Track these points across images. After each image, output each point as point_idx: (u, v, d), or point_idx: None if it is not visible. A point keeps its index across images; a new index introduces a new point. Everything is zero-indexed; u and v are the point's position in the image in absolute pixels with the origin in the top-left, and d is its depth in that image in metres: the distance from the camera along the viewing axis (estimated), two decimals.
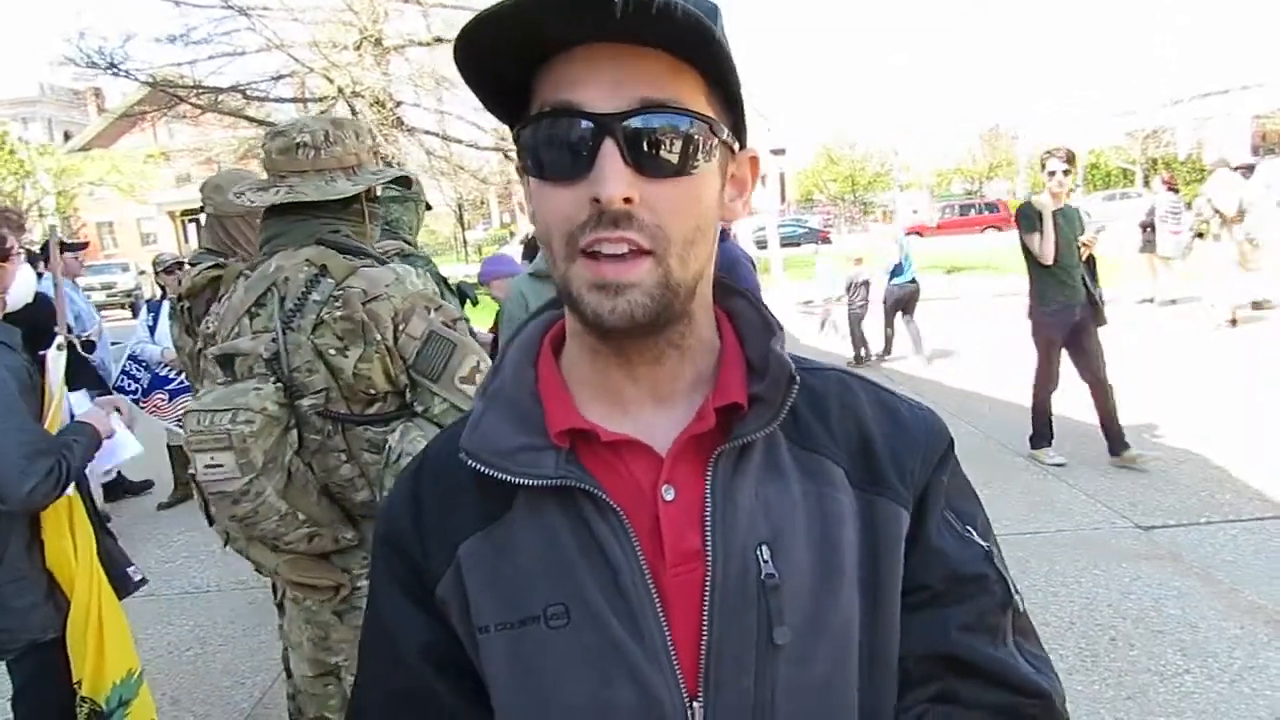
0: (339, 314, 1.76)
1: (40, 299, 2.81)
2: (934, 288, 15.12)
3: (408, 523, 0.78)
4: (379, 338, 1.76)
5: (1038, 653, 0.78)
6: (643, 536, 0.69)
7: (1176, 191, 11.00)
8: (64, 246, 6.15)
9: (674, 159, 0.65)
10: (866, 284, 9.21)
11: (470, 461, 0.72)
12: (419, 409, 1.82)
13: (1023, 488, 5.10)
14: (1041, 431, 5.63)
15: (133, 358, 5.40)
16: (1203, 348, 8.20)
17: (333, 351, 1.76)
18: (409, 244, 3.46)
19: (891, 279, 8.92)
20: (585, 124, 0.63)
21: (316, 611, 1.92)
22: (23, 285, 2.36)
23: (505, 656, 0.71)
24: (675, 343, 0.72)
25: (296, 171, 1.87)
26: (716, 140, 0.68)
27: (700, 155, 0.66)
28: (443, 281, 3.28)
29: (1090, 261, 5.42)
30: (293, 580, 1.87)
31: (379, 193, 2.05)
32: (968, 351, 9.34)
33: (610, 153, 0.62)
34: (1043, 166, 5.30)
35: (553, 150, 0.65)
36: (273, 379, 1.75)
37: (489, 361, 1.82)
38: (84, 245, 6.56)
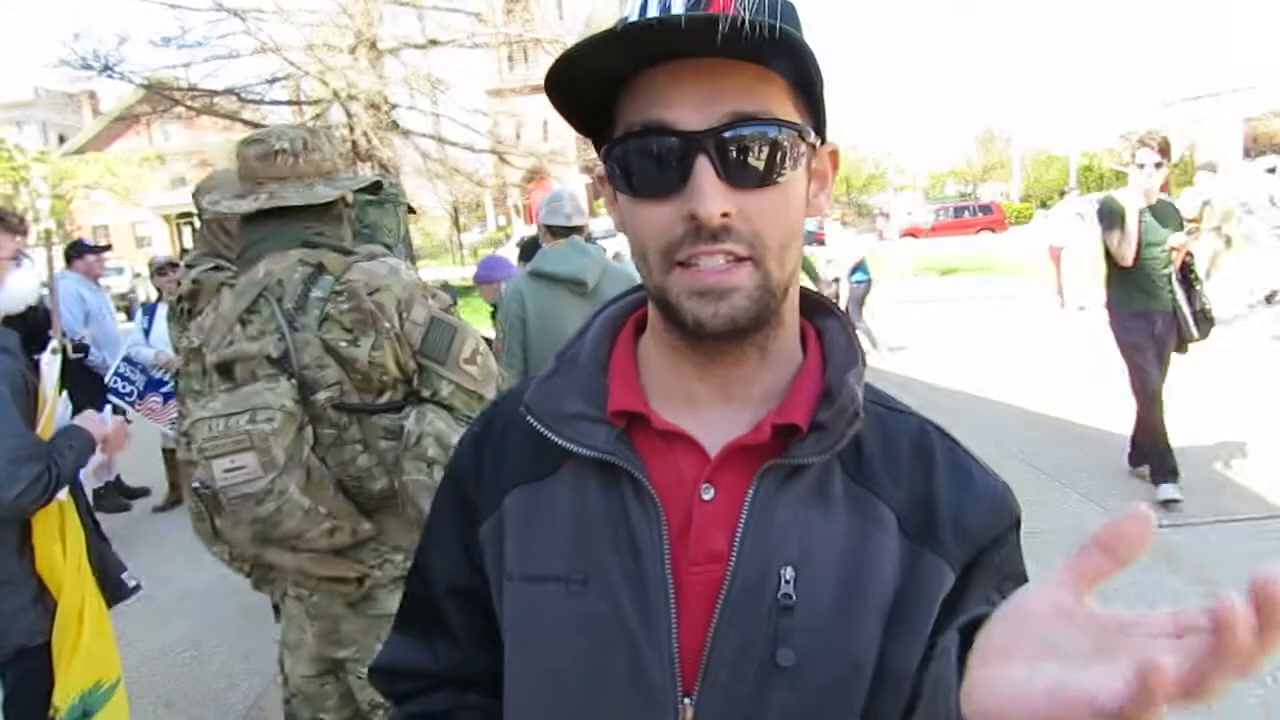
0: (346, 306, 1.77)
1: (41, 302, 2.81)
2: (928, 290, 15.16)
3: (469, 461, 0.84)
4: (388, 326, 1.78)
5: None
6: (674, 528, 0.71)
7: (1168, 194, 11.02)
8: (86, 249, 6.16)
9: (766, 169, 0.66)
10: (836, 280, 9.62)
11: (529, 417, 0.75)
12: (426, 394, 1.84)
13: (1016, 488, 5.03)
14: (1163, 463, 4.72)
15: (128, 359, 5.38)
16: (1196, 348, 8.23)
17: (343, 344, 1.77)
18: (387, 247, 3.43)
19: (852, 277, 9.69)
20: (677, 142, 0.64)
21: (326, 605, 1.92)
22: (19, 289, 2.35)
23: (521, 607, 0.75)
24: (760, 344, 0.73)
25: (276, 178, 1.87)
26: (804, 144, 0.69)
27: (790, 162, 0.67)
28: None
29: (1185, 269, 4.72)
30: (321, 576, 1.87)
31: (351, 199, 2.06)
32: (961, 352, 9.37)
33: (704, 169, 0.64)
34: (1132, 158, 4.72)
35: (645, 168, 0.66)
36: (284, 376, 1.75)
37: (481, 343, 1.90)
38: (106, 247, 6.52)
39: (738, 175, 0.64)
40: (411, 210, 3.96)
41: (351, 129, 16.67)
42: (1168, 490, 4.60)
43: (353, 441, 1.83)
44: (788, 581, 0.69)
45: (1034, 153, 46.23)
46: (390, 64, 17.90)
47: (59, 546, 2.22)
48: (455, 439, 1.63)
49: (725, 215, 0.64)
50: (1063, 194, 18.98)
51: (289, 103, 18.24)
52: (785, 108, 0.67)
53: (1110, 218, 4.61)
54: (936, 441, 0.79)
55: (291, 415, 1.72)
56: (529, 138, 21.47)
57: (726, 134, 0.64)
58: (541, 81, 0.69)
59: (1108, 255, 4.72)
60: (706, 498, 0.71)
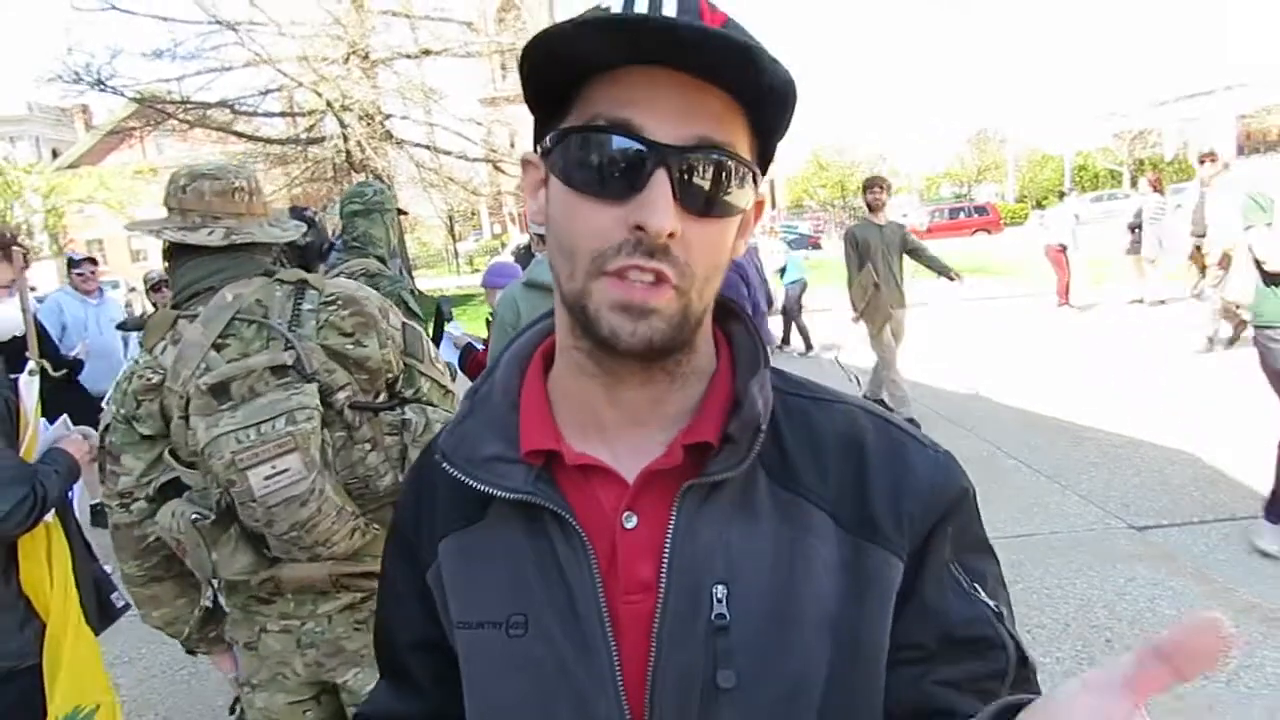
0: (346, 312, 1.81)
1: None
2: (925, 292, 15.17)
3: (409, 510, 0.84)
4: (384, 327, 1.86)
5: None
6: (603, 561, 0.69)
7: (1162, 193, 11.05)
8: (72, 263, 6.11)
9: (715, 200, 0.65)
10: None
11: (444, 464, 0.73)
12: (409, 393, 1.92)
13: (1015, 490, 5.10)
14: None
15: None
16: (1194, 347, 8.23)
17: (349, 346, 1.80)
18: (381, 260, 3.41)
19: (784, 281, 10.38)
20: (641, 148, 0.62)
21: (323, 631, 1.89)
22: (8, 318, 2.34)
23: (469, 653, 0.74)
24: (669, 370, 0.71)
25: (233, 214, 1.89)
26: (753, 185, 0.68)
27: (737, 198, 0.66)
28: (404, 303, 3.16)
29: None
30: (357, 574, 1.86)
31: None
32: (959, 355, 9.37)
33: (662, 183, 0.62)
34: None
35: (600, 166, 0.64)
36: (303, 380, 1.75)
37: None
38: (88, 260, 6.40)
39: (688, 199, 0.63)
40: (402, 212, 3.95)
41: (345, 139, 16.71)
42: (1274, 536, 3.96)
43: (363, 441, 1.83)
44: (719, 600, 0.67)
45: (1028, 153, 46.35)
46: (384, 74, 17.96)
47: (46, 568, 2.21)
48: None
49: (671, 235, 0.62)
50: (1062, 195, 19.00)
51: (282, 114, 18.28)
52: (744, 145, 0.66)
53: (1254, 209, 3.92)
54: (868, 425, 0.75)
55: (321, 415, 1.73)
56: (523, 145, 21.50)
57: (693, 155, 0.63)
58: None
59: (1257, 262, 3.96)
60: (629, 526, 0.70)
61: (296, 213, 3.41)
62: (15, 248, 2.36)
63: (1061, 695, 0.46)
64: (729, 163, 0.64)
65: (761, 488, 0.71)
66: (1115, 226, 11.92)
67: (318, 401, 1.72)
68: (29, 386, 2.24)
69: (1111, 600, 3.67)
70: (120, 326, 5.88)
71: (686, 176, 0.63)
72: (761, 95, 0.64)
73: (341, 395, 1.79)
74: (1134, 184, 26.57)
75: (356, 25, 16.71)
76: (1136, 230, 10.64)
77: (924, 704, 0.68)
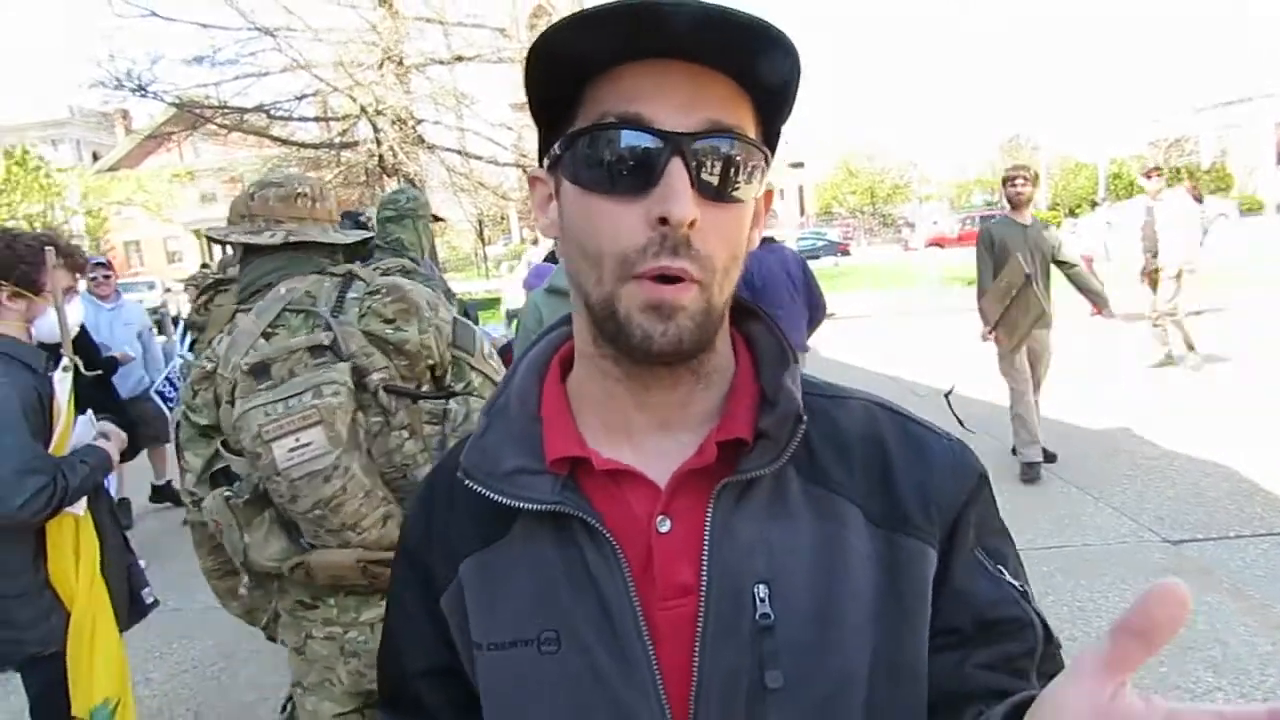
0: (388, 299, 1.87)
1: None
2: (954, 300, 15.03)
3: (419, 529, 0.81)
4: (429, 314, 1.89)
5: None
6: (636, 567, 0.68)
7: (1200, 200, 10.87)
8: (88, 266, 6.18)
9: (730, 185, 0.65)
10: None
11: (467, 481, 0.72)
12: (459, 386, 1.94)
13: (1048, 501, 5.04)
14: None
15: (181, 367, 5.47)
16: (1230, 357, 8.09)
17: (389, 331, 1.85)
18: (414, 261, 3.48)
19: None
20: (654, 140, 0.62)
21: (365, 641, 1.90)
22: (53, 321, 2.42)
23: (495, 676, 0.72)
24: (694, 369, 0.71)
25: (295, 218, 2.03)
26: (763, 169, 0.68)
27: (752, 184, 0.66)
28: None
29: None
30: (385, 562, 1.83)
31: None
32: (988, 363, 9.26)
33: (679, 172, 0.61)
34: None
35: (615, 163, 0.63)
36: (338, 360, 1.78)
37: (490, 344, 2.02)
38: (102, 264, 6.35)
39: (703, 185, 0.63)
40: (438, 219, 4.00)
41: (378, 144, 16.87)
42: None
43: (400, 428, 1.85)
44: (763, 600, 0.67)
45: (1061, 160, 45.80)
46: (416, 80, 18.10)
47: (73, 560, 2.28)
48: None
49: (692, 225, 0.62)
50: (1094, 205, 18.73)
51: (317, 119, 18.48)
52: (752, 130, 0.67)
53: None
54: (885, 420, 0.77)
55: (352, 392, 1.75)
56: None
57: (705, 141, 0.63)
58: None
59: None
60: (663, 530, 0.69)
61: (351, 217, 3.54)
62: (76, 258, 2.47)
63: (1054, 689, 0.48)
64: (741, 146, 0.65)
65: (793, 485, 0.71)
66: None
67: (348, 379, 1.74)
68: (62, 382, 2.33)
69: None
70: (185, 325, 6.00)
71: (701, 163, 0.63)
72: (766, 74, 0.64)
73: (375, 377, 1.81)
74: None
75: (391, 31, 16.87)
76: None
77: (964, 689, 0.69)
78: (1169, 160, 36.24)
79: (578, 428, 0.74)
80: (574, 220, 0.67)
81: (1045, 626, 0.73)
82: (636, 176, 0.62)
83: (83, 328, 3.23)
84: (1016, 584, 0.73)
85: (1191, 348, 7.94)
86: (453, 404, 1.91)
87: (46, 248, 2.37)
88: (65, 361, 2.36)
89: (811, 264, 5.41)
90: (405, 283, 1.94)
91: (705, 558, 0.67)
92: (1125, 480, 5.22)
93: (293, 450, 1.68)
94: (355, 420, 1.77)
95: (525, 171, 20.25)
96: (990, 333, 5.45)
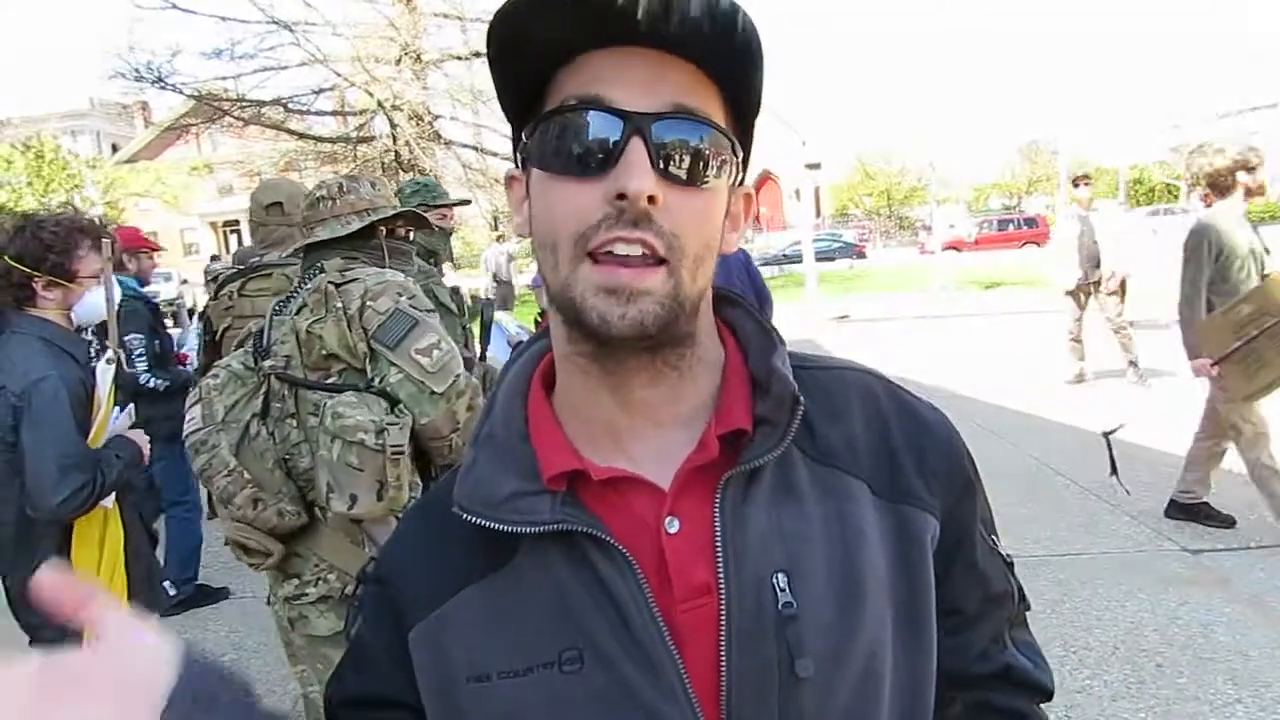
0: (311, 291, 2.01)
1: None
2: (971, 304, 14.97)
3: (395, 564, 0.77)
4: (339, 305, 1.96)
5: (1029, 639, 0.80)
6: (649, 573, 0.66)
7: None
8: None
9: (695, 168, 0.64)
10: None
11: (464, 516, 0.69)
12: (376, 380, 1.96)
13: (1063, 508, 4.99)
14: None
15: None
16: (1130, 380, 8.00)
17: (299, 320, 2.00)
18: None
19: None
20: (614, 119, 0.62)
21: (280, 618, 2.11)
22: (97, 304, 2.42)
23: (507, 705, 0.68)
24: (674, 364, 0.70)
25: (319, 220, 2.19)
26: (734, 160, 0.67)
27: (719, 170, 0.66)
28: (432, 294, 3.20)
29: None
30: (230, 537, 2.03)
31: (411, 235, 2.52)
32: (1006, 369, 9.20)
33: (638, 149, 0.61)
34: None
35: (575, 144, 0.63)
36: (248, 347, 2.05)
37: (448, 342, 1.98)
38: (153, 247, 6.33)
39: (668, 166, 0.62)
40: (464, 202, 4.21)
41: (394, 139, 16.94)
42: None
43: (288, 415, 1.99)
44: (783, 590, 0.66)
45: (1081, 165, 45.45)
46: (433, 75, 18.16)
47: (98, 551, 2.28)
48: (370, 427, 1.83)
49: (652, 200, 0.60)
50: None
51: (334, 113, 18.58)
52: (719, 118, 0.66)
53: None
54: (878, 389, 0.77)
55: (236, 376, 2.02)
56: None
57: (666, 121, 0.62)
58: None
59: None
60: (672, 531, 0.67)
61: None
62: (104, 239, 2.45)
63: None
64: (705, 129, 0.64)
65: (798, 466, 0.71)
66: (1167, 242, 11.60)
67: (234, 363, 2.04)
68: (105, 374, 2.33)
69: (1163, 624, 3.56)
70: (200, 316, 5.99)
71: (663, 143, 0.62)
72: (730, 57, 0.64)
73: (268, 363, 2.00)
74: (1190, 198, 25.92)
75: (409, 27, 16.93)
76: None
77: (967, 669, 0.74)
78: (1189, 167, 35.93)
79: (569, 440, 0.72)
80: (537, 208, 0.67)
81: (1020, 590, 0.79)
82: (597, 157, 0.62)
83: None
84: (1006, 555, 0.78)
85: (1133, 364, 7.81)
86: (329, 398, 1.89)
87: (75, 233, 2.37)
88: (110, 354, 2.35)
89: (827, 266, 5.39)
90: (357, 274, 2.02)
91: (719, 554, 0.66)
92: (1144, 487, 5.14)
93: (188, 423, 1.98)
94: (251, 401, 1.99)
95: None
96: (1215, 365, 4.15)
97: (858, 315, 14.47)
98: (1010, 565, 0.77)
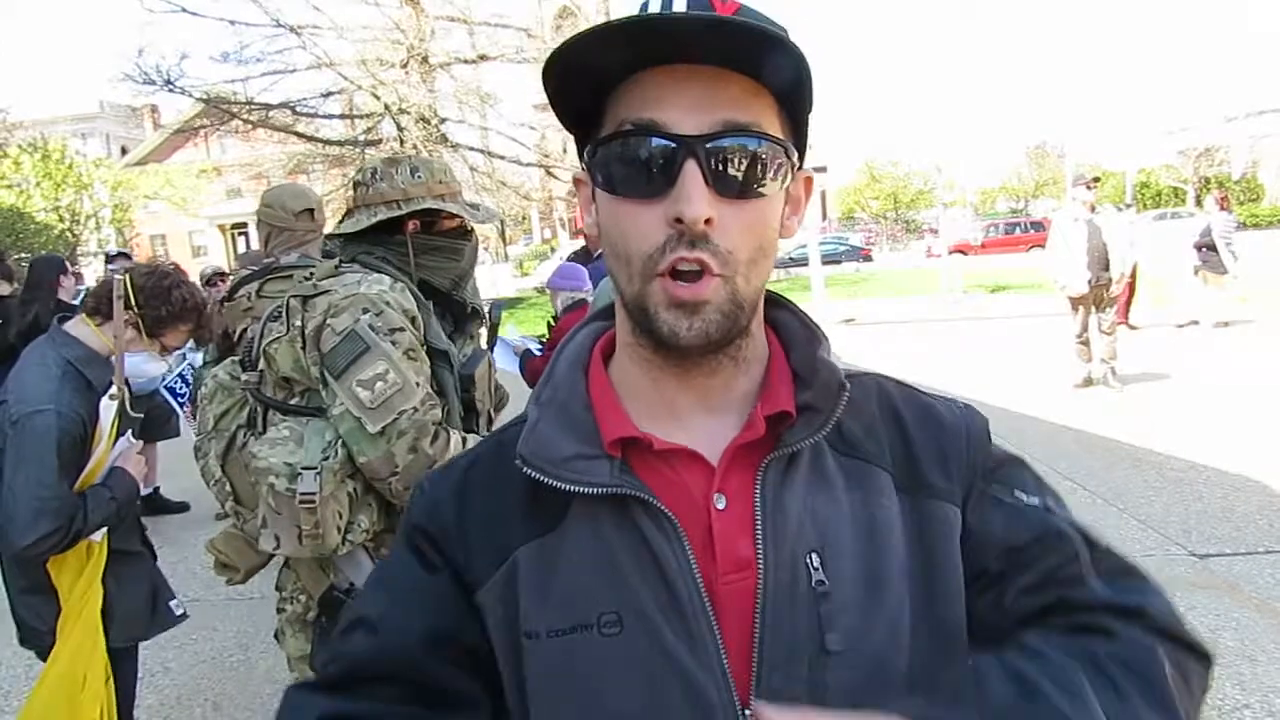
0: (280, 305, 1.90)
1: None
2: (977, 307, 14.93)
3: (451, 519, 0.78)
4: (297, 324, 1.78)
5: (1133, 584, 0.75)
6: (695, 545, 0.70)
7: (1230, 210, 10.73)
8: (106, 258, 6.16)
9: (749, 181, 0.67)
10: None
11: (526, 469, 0.72)
12: (326, 407, 1.77)
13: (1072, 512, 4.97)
14: None
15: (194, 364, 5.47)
16: (1261, 371, 7.97)
17: (266, 341, 1.92)
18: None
19: None
20: (668, 144, 0.65)
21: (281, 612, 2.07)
22: (143, 365, 2.44)
23: (554, 663, 0.71)
24: (732, 355, 0.74)
25: (354, 208, 2.06)
26: (787, 163, 0.70)
27: (772, 178, 0.69)
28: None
29: None
30: (208, 547, 2.09)
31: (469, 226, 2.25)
32: (1013, 373, 9.18)
33: (693, 173, 0.65)
34: None
35: (633, 168, 0.67)
36: (238, 358, 2.05)
37: (398, 373, 1.73)
38: (122, 255, 6.29)
39: (721, 183, 0.66)
40: (474, 207, 4.03)
41: (402, 142, 16.99)
42: None
43: (261, 431, 1.96)
44: (817, 568, 0.70)
45: (1088, 168, 45.34)
46: (441, 79, 18.22)
47: (74, 577, 2.27)
48: (282, 470, 1.69)
49: (708, 222, 0.65)
50: (1118, 211, 18.56)
51: (341, 116, 18.63)
52: (773, 124, 0.69)
53: None
54: (895, 392, 0.82)
55: (224, 387, 2.03)
56: (575, 151, 21.66)
57: (717, 142, 0.65)
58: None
59: None
60: (720, 507, 0.72)
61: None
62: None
63: None
64: (757, 143, 0.67)
65: (829, 458, 0.75)
66: (1175, 245, 11.56)
67: (221, 373, 2.06)
68: (108, 410, 2.28)
69: None
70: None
71: (717, 163, 0.65)
72: (780, 73, 0.66)
73: (245, 377, 1.97)
74: (1199, 202, 25.85)
75: (416, 30, 16.98)
76: (1204, 249, 10.35)
77: (1007, 621, 0.73)
78: (1199, 170, 35.83)
79: (627, 412, 0.76)
80: (606, 223, 0.71)
81: (1082, 531, 0.77)
82: (655, 179, 0.66)
83: None
84: (1036, 501, 0.77)
85: (1113, 370, 7.81)
86: (265, 435, 1.81)
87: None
88: (113, 390, 2.29)
89: (833, 269, 5.38)
90: (330, 284, 1.82)
91: (759, 531, 0.70)
92: (1152, 492, 5.14)
93: (197, 426, 2.05)
94: (240, 411, 2.00)
95: (548, 172, 20.36)
96: None
97: (864, 319, 14.45)
98: (1046, 510, 0.77)
